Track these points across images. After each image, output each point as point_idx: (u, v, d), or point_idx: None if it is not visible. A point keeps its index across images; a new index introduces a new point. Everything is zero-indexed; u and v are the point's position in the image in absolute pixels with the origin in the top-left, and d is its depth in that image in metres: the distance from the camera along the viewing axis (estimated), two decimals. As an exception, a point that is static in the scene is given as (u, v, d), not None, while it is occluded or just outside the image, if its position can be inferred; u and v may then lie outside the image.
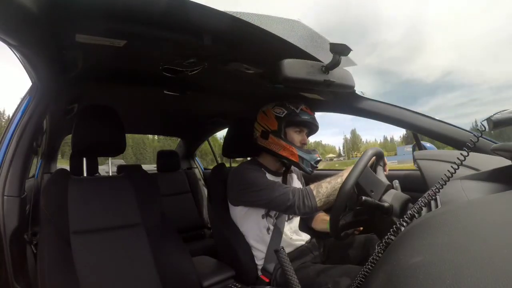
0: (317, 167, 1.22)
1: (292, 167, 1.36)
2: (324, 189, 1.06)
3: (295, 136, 1.22)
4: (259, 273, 1.20)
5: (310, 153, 1.19)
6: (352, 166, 0.86)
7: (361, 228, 1.10)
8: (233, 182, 1.23)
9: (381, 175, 0.88)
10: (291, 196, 1.07)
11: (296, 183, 1.38)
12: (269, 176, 1.25)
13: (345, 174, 1.04)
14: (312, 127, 1.26)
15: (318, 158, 1.20)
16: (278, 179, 1.28)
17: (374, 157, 0.94)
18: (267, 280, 1.16)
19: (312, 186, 1.09)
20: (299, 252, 1.23)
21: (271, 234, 1.20)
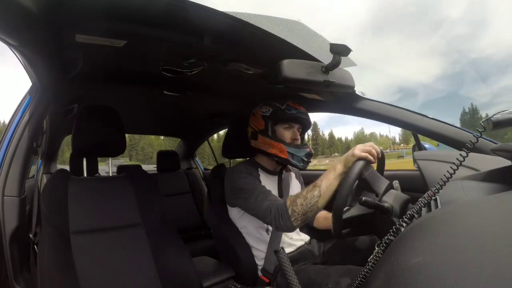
0: (310, 161, 1.20)
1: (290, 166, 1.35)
2: (299, 207, 0.97)
3: (285, 133, 1.21)
4: (259, 273, 1.20)
5: (300, 148, 1.18)
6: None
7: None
8: (227, 184, 1.23)
9: (381, 176, 0.87)
10: (269, 213, 1.03)
11: (295, 182, 1.38)
12: (265, 176, 1.25)
13: (323, 183, 0.95)
14: (302, 122, 1.24)
15: (309, 152, 1.19)
16: (274, 178, 1.28)
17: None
18: (267, 281, 1.15)
19: (288, 202, 1.00)
20: (299, 253, 1.22)
21: (270, 235, 1.20)
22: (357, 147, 0.92)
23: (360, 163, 0.85)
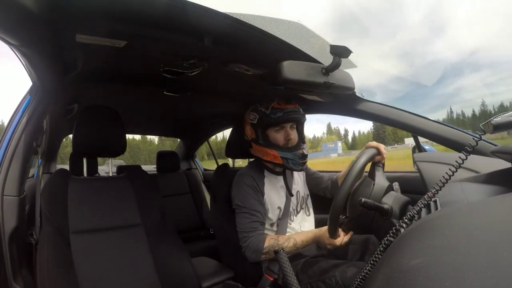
0: (305, 161, 1.21)
1: None
2: (271, 252, 1.10)
3: (278, 136, 1.20)
4: (264, 272, 1.20)
5: (292, 150, 1.17)
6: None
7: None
8: (234, 190, 1.25)
9: (381, 177, 0.87)
10: (246, 240, 1.14)
11: (300, 180, 1.37)
12: (270, 177, 1.26)
13: (297, 238, 1.10)
14: (293, 120, 1.21)
15: (302, 153, 1.18)
16: (279, 177, 1.29)
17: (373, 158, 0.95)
18: (272, 279, 1.16)
19: (268, 242, 1.12)
20: (306, 248, 1.23)
21: (275, 233, 1.21)
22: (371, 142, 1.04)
23: (371, 151, 0.92)
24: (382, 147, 1.00)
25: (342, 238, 0.99)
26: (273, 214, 1.22)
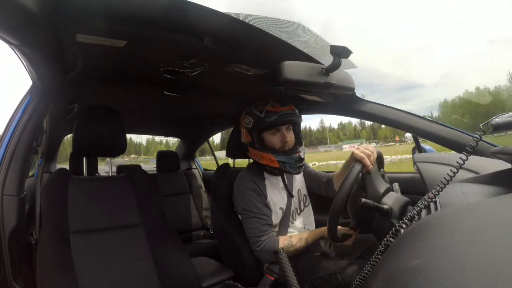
0: (302, 164, 1.20)
1: None
2: (290, 252, 1.12)
3: (273, 139, 1.18)
4: (265, 271, 1.20)
5: (289, 154, 1.16)
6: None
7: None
8: (235, 194, 1.25)
9: (381, 178, 0.87)
10: (258, 245, 1.15)
11: (300, 180, 1.38)
12: (270, 178, 1.26)
13: (308, 237, 1.15)
14: (290, 122, 1.19)
15: (298, 157, 1.17)
16: (278, 178, 1.28)
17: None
18: (273, 279, 1.16)
19: (282, 242, 1.14)
20: (308, 246, 1.23)
21: (277, 234, 1.22)
22: (358, 147, 0.95)
23: (358, 167, 0.85)
24: (366, 159, 0.87)
25: (354, 238, 1.02)
26: (276, 216, 1.22)
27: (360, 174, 0.84)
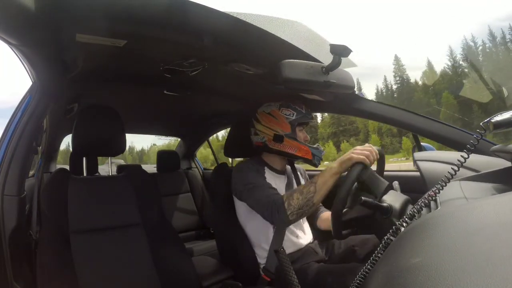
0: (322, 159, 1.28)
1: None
2: (295, 201, 1.01)
3: (301, 134, 1.26)
4: (261, 272, 1.19)
5: (318, 148, 1.25)
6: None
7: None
8: (235, 178, 1.23)
9: (380, 177, 0.87)
10: (266, 208, 1.06)
11: (302, 181, 1.38)
12: (271, 175, 1.26)
13: (319, 180, 1.01)
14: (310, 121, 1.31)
15: (323, 152, 1.27)
16: (281, 177, 1.29)
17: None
18: (269, 280, 1.15)
19: (284, 196, 1.05)
20: (304, 252, 1.22)
21: (273, 234, 1.20)
22: (355, 150, 0.95)
23: (358, 168, 0.87)
24: (366, 160, 0.90)
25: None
26: None
27: (360, 174, 0.85)
